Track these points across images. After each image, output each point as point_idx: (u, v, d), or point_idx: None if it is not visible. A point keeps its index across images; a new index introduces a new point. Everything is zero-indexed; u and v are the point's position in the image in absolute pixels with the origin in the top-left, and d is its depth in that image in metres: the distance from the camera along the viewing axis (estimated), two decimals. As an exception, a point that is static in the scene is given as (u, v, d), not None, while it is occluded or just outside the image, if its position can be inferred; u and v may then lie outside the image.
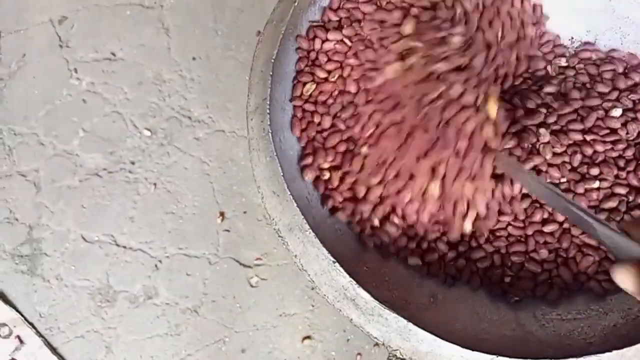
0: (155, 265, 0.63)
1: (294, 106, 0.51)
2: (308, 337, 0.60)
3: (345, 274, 0.39)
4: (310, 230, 0.41)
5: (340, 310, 0.40)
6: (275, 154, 0.43)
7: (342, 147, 0.50)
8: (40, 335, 0.61)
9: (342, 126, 0.51)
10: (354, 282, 0.39)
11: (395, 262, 0.48)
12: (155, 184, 0.65)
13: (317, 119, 0.52)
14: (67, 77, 0.70)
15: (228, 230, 0.64)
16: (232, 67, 0.70)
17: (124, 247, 0.64)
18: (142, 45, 0.71)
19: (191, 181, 0.66)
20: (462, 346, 0.38)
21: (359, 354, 0.59)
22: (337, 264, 0.40)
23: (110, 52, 0.71)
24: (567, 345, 0.41)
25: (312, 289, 0.61)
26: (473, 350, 0.38)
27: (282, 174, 0.42)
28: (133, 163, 0.66)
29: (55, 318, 0.61)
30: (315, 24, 0.52)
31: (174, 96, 0.69)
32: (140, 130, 0.67)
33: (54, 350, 0.60)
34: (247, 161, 0.66)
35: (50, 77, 0.70)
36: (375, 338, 0.39)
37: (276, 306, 0.61)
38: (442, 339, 0.38)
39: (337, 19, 0.53)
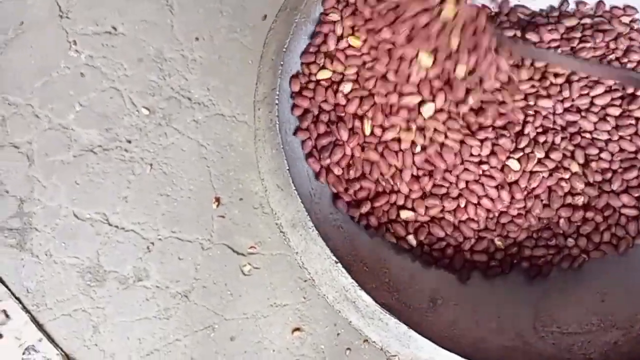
0: (147, 247, 0.62)
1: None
2: (298, 329, 0.60)
3: (347, 274, 0.39)
4: (314, 228, 0.40)
5: (339, 311, 0.39)
6: (281, 146, 0.42)
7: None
8: (27, 311, 0.60)
9: None
10: (356, 284, 0.39)
11: (397, 260, 0.48)
12: (151, 165, 0.64)
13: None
14: (66, 48, 0.68)
15: (223, 216, 0.63)
16: (236, 50, 0.68)
17: (116, 226, 0.63)
18: (144, 21, 0.69)
19: (188, 164, 0.64)
20: (462, 355, 0.38)
21: (349, 348, 0.59)
22: (339, 264, 0.39)
23: (111, 26, 0.69)
24: (566, 359, 0.41)
25: (305, 281, 0.61)
26: (472, 359, 0.38)
27: (287, 167, 0.41)
28: (129, 142, 0.65)
29: (42, 294, 0.60)
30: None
31: (175, 76, 0.67)
32: (138, 108, 0.66)
33: (40, 326, 0.59)
34: (245, 147, 0.65)
35: (48, 48, 0.68)
36: (374, 342, 0.39)
37: (268, 296, 0.61)
38: (442, 347, 0.38)
39: None
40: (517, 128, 0.52)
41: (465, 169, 0.50)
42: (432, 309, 0.46)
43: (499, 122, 0.51)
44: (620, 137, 0.54)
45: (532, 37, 0.57)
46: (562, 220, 0.51)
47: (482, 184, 0.50)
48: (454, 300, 0.47)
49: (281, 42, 0.45)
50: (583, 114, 0.54)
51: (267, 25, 0.68)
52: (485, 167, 0.50)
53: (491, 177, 0.50)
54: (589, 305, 0.46)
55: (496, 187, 0.50)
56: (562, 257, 0.50)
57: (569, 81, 0.54)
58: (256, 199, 0.63)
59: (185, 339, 0.60)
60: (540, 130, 0.53)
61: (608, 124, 0.54)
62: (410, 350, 0.38)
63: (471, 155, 0.50)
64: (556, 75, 0.54)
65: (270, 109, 0.43)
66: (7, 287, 0.60)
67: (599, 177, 0.52)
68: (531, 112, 0.53)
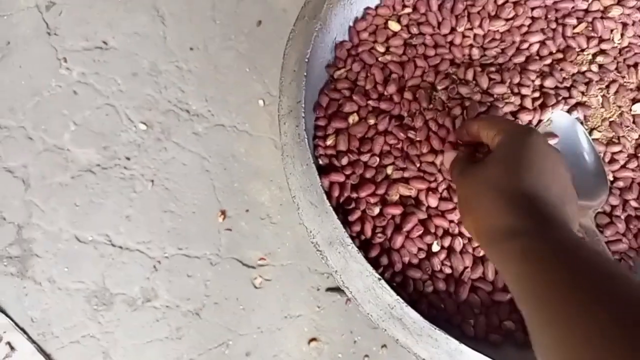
0: (154, 266, 0.60)
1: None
2: (314, 339, 0.58)
3: (392, 292, 0.37)
4: (353, 245, 0.38)
5: (385, 330, 0.38)
6: (312, 161, 0.40)
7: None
8: (33, 341, 0.58)
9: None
10: (402, 301, 0.37)
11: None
12: (152, 181, 0.62)
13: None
14: (56, 66, 0.66)
15: (230, 230, 0.61)
16: (232, 58, 0.67)
17: (120, 247, 0.61)
18: (136, 34, 0.67)
19: (190, 178, 0.63)
20: None
21: (367, 355, 0.58)
22: (382, 281, 0.37)
23: (101, 41, 0.67)
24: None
25: (318, 289, 0.59)
26: None
27: (320, 183, 0.40)
28: (128, 159, 0.63)
29: (48, 323, 0.58)
30: None
31: (171, 88, 0.66)
32: (135, 123, 0.64)
33: (47, 356, 0.57)
34: (248, 157, 0.63)
35: (37, 67, 0.65)
36: None
37: (281, 308, 0.59)
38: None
39: None
40: None
41: None
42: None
43: None
44: None
45: None
46: None
47: None
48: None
49: (302, 52, 0.43)
50: None
51: (262, 31, 0.67)
52: None
53: None
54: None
55: None
56: None
57: None
58: (263, 210, 0.62)
59: (199, 357, 0.58)
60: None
61: None
62: (462, 365, 0.37)
63: None
64: None
65: (297, 123, 0.41)
66: (10, 317, 0.58)
67: None
68: None
